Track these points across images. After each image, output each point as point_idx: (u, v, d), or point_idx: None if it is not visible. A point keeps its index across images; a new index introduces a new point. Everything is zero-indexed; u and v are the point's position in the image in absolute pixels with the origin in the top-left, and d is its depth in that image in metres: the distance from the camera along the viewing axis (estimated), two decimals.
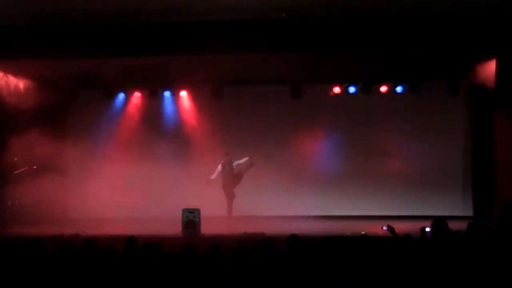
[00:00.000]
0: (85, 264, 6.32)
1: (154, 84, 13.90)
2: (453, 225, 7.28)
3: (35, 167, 12.84)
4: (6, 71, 12.24)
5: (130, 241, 7.60)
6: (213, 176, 12.81)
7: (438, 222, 7.14)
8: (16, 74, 12.49)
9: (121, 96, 14.20)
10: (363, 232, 9.87)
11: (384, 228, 8.10)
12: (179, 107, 14.41)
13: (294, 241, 6.88)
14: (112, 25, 10.80)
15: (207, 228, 11.05)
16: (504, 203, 10.14)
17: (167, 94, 14.28)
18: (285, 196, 13.49)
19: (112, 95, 14.16)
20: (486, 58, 11.76)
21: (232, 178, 12.94)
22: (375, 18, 10.47)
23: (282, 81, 13.54)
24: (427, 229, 7.49)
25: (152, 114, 14.30)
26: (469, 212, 13.33)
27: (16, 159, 12.45)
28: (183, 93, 14.27)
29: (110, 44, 10.98)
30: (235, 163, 12.98)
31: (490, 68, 11.74)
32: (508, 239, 6.78)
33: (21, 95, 12.36)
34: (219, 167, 12.87)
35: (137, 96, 14.36)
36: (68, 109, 14.57)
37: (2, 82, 12.23)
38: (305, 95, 13.78)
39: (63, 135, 14.24)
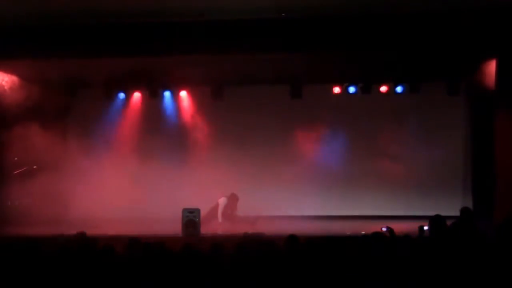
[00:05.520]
0: (85, 264, 6.32)
1: (154, 84, 13.90)
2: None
3: (35, 167, 12.84)
4: (5, 71, 12.23)
5: (133, 242, 7.60)
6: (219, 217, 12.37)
7: (436, 219, 7.14)
8: (14, 74, 12.48)
9: (121, 96, 14.18)
10: (363, 232, 9.86)
11: (384, 229, 8.11)
12: (179, 107, 14.41)
13: (293, 241, 6.88)
14: (111, 25, 10.80)
15: (207, 228, 11.05)
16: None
17: (167, 94, 14.28)
18: (285, 196, 13.48)
19: (112, 95, 14.15)
20: (486, 58, 11.76)
21: (228, 217, 12.50)
22: (375, 18, 10.48)
23: (282, 81, 13.54)
24: (425, 227, 7.50)
25: (152, 114, 14.29)
26: None
27: (16, 159, 12.45)
28: (183, 93, 14.28)
29: (109, 44, 10.98)
30: (238, 213, 12.54)
31: (490, 68, 11.73)
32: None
33: (20, 95, 12.34)
34: (221, 204, 12.44)
35: (137, 96, 14.37)
36: (68, 109, 14.58)
37: (1, 82, 12.23)
38: (305, 95, 13.78)
39: (63, 135, 14.23)
